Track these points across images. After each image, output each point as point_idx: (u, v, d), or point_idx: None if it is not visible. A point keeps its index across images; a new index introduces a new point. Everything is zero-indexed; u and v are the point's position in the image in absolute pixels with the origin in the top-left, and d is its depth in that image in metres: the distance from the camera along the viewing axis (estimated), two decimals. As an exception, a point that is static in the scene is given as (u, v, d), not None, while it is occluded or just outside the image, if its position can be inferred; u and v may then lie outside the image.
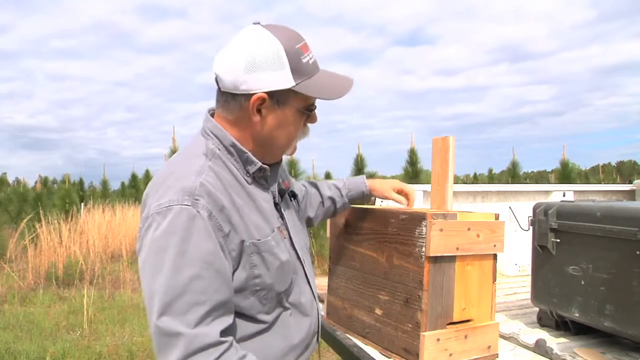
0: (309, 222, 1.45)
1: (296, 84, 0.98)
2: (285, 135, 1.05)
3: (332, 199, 1.48)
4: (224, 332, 0.91)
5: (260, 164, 1.04)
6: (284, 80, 0.97)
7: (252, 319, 1.02)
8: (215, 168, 0.99)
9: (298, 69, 0.98)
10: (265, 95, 0.98)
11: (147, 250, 0.92)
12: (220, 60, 1.00)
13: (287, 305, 1.08)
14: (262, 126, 1.02)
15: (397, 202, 1.52)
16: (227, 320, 0.93)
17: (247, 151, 1.03)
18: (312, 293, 1.18)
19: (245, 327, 1.01)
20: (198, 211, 0.91)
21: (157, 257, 0.90)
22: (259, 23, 1.01)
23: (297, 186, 1.39)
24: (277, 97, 0.99)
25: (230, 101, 1.01)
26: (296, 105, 1.02)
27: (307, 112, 1.05)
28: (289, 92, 0.99)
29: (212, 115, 1.08)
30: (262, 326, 1.03)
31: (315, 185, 1.48)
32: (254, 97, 0.98)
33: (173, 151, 7.90)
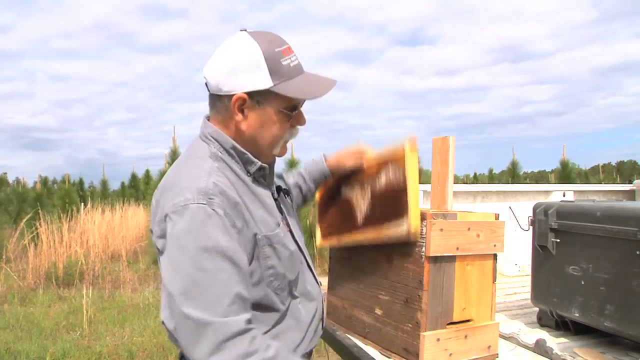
0: None
1: (274, 85, 1.02)
2: (270, 135, 1.08)
3: (298, 186, 1.50)
4: (249, 322, 0.96)
5: (260, 163, 1.09)
6: (261, 81, 1.01)
7: (269, 309, 1.08)
8: (221, 169, 1.04)
9: (276, 71, 1.02)
10: (245, 96, 1.03)
11: (168, 249, 0.96)
12: (207, 65, 1.06)
13: (296, 294, 1.15)
14: (246, 125, 1.06)
15: (357, 168, 1.45)
16: (249, 312, 0.98)
17: (246, 152, 1.08)
18: (315, 280, 1.25)
19: (264, 318, 1.07)
20: (214, 209, 0.95)
21: (178, 254, 0.94)
22: (245, 30, 1.06)
23: None
24: (257, 98, 1.04)
25: (217, 103, 1.07)
26: (277, 106, 1.05)
27: (290, 112, 1.07)
28: (268, 93, 1.03)
29: (209, 120, 1.13)
30: (278, 315, 1.10)
31: (279, 176, 1.48)
32: (234, 97, 1.03)
33: (173, 151, 7.89)
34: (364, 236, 1.39)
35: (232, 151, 1.07)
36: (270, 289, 1.06)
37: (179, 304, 0.91)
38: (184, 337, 0.92)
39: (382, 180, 1.35)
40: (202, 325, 0.90)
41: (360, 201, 1.41)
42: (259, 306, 1.06)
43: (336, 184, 1.54)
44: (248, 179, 1.08)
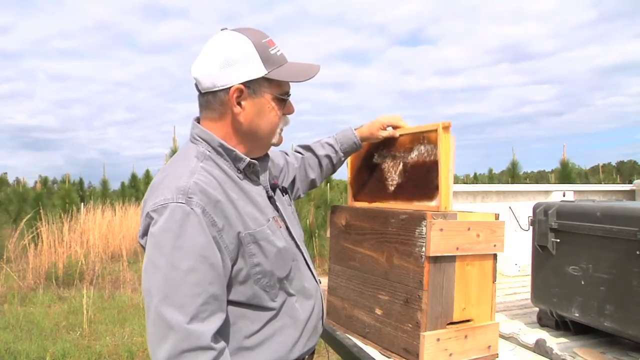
0: (312, 184, 1.53)
1: (268, 72, 1.07)
2: (268, 123, 1.12)
3: (329, 157, 1.53)
4: (217, 335, 0.96)
5: (248, 159, 1.10)
6: (256, 70, 1.06)
7: (260, 307, 1.07)
8: (208, 168, 1.05)
9: (268, 59, 1.07)
10: (242, 87, 1.06)
11: (147, 247, 0.98)
12: (196, 65, 1.08)
13: (291, 292, 1.14)
14: (244, 117, 1.09)
15: (391, 136, 1.53)
16: (220, 317, 0.98)
17: (234, 149, 1.09)
18: (314, 278, 1.24)
19: (255, 317, 1.07)
20: (192, 208, 0.96)
21: (154, 252, 0.96)
22: (226, 28, 1.10)
23: (291, 155, 1.48)
24: (253, 87, 1.07)
25: (212, 100, 1.09)
26: (272, 93, 1.10)
27: (283, 98, 1.12)
28: (263, 80, 1.07)
29: (198, 122, 1.14)
30: (271, 313, 1.09)
31: (309, 149, 1.53)
32: (232, 90, 1.06)
33: (174, 151, 7.88)
34: (395, 205, 1.48)
35: (219, 149, 1.08)
36: (259, 287, 1.06)
37: (154, 300, 0.93)
38: (152, 335, 0.94)
39: (414, 154, 1.43)
40: (170, 329, 0.91)
41: (392, 170, 1.51)
42: (249, 304, 1.06)
43: (368, 149, 1.60)
44: (238, 177, 1.09)
